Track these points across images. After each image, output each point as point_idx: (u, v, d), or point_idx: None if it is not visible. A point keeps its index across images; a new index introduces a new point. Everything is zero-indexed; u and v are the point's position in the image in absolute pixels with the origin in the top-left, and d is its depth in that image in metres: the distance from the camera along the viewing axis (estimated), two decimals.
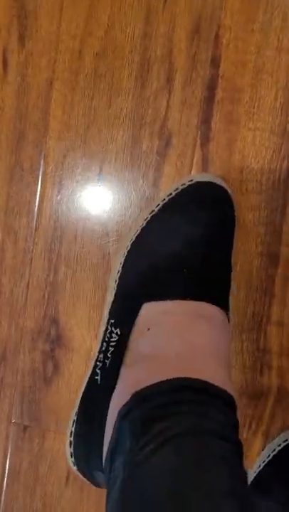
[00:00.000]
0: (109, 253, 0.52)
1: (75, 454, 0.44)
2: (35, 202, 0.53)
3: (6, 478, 0.57)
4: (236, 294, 0.51)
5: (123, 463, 0.33)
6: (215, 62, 0.49)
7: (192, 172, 0.51)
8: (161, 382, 0.36)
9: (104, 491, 0.55)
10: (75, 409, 0.45)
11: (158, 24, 0.50)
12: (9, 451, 0.57)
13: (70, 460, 0.45)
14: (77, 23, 0.51)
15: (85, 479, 0.45)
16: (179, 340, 0.41)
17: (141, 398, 0.36)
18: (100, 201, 0.52)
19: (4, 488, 0.57)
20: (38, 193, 0.53)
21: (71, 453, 0.44)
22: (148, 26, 0.50)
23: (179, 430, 0.33)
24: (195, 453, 0.32)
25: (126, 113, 0.51)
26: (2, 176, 0.54)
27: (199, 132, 0.50)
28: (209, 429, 0.33)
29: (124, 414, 0.36)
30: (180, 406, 0.34)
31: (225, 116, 0.50)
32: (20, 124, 0.53)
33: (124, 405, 0.37)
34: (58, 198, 0.53)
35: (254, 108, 0.49)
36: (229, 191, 0.48)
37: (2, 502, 0.57)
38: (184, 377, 0.36)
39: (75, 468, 0.45)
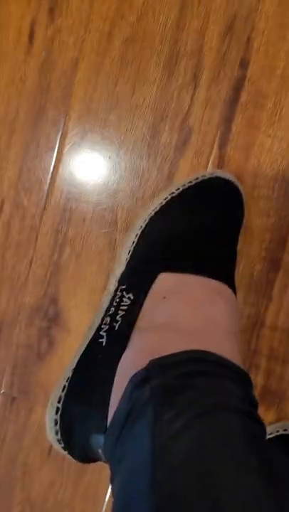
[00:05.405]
0: (115, 240, 0.53)
1: (63, 418, 0.40)
2: (47, 180, 0.53)
3: None
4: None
5: (149, 431, 0.31)
6: (244, 64, 0.49)
7: (207, 171, 0.51)
8: (182, 352, 0.35)
9: (83, 467, 0.57)
10: (67, 374, 0.42)
11: (192, 18, 0.49)
12: None
13: (54, 428, 0.40)
14: (110, 5, 0.50)
15: (65, 452, 0.41)
16: (196, 312, 0.40)
17: (159, 367, 0.34)
18: (113, 188, 0.53)
19: None
20: (51, 172, 0.53)
21: (56, 420, 0.40)
22: (181, 18, 0.49)
23: (207, 405, 0.31)
24: (233, 429, 0.30)
25: (148, 103, 0.51)
26: (17, 150, 0.53)
27: (219, 132, 0.50)
28: (235, 406, 0.32)
29: (141, 381, 0.34)
30: (202, 378, 0.33)
31: (246, 120, 0.50)
32: (41, 100, 0.52)
33: (139, 372, 0.35)
34: (71, 179, 0.53)
35: (276, 115, 0.50)
36: (243, 194, 0.49)
37: None
38: (205, 351, 0.35)
39: (57, 437, 0.41)
